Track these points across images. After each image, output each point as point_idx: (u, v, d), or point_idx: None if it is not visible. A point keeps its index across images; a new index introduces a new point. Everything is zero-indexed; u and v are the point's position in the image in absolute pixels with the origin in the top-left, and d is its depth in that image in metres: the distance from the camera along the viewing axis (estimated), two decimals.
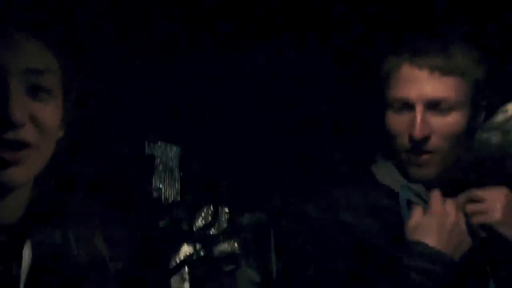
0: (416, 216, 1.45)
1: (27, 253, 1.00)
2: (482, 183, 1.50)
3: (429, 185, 1.53)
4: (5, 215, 1.01)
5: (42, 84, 1.00)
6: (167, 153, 2.69)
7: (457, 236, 1.39)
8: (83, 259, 1.06)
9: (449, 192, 1.51)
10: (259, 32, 2.38)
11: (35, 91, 1.00)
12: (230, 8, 2.31)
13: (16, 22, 0.99)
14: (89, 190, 1.15)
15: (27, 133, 0.97)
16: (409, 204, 1.54)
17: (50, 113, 1.02)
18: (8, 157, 0.95)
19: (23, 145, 0.97)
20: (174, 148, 2.70)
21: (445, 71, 1.49)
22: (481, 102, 1.56)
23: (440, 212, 1.41)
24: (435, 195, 1.46)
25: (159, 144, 2.68)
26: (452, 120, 1.49)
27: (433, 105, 1.50)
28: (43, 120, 1.00)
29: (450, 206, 1.45)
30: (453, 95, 1.51)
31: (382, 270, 1.46)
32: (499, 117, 1.49)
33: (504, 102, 1.53)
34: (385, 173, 1.59)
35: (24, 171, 0.98)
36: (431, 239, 1.38)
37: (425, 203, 1.50)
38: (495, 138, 1.47)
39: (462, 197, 1.48)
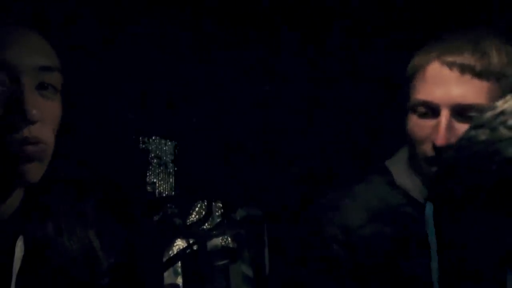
0: None
1: (19, 247, 1.01)
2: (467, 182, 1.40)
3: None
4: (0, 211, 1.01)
5: (51, 82, 1.01)
6: (161, 148, 2.70)
7: None
8: (75, 253, 1.06)
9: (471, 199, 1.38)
10: (259, 28, 2.37)
11: (44, 88, 1.01)
12: (232, 5, 2.29)
13: (26, 21, 1.00)
14: (83, 185, 1.15)
15: (40, 130, 0.99)
16: (435, 215, 1.39)
17: (56, 110, 1.03)
18: (25, 154, 0.96)
19: (37, 141, 0.98)
20: (169, 143, 2.70)
21: (478, 73, 1.31)
22: None
23: None
24: None
25: (153, 138, 2.68)
26: None
27: (461, 111, 1.32)
28: (51, 117, 1.01)
29: None
30: (485, 101, 1.30)
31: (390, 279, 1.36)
32: (488, 114, 1.35)
33: None
34: (404, 175, 1.42)
35: (39, 167, 0.99)
36: None
37: None
38: (482, 135, 1.35)
39: None
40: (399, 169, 1.45)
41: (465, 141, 1.33)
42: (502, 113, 1.32)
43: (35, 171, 0.99)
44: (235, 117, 2.52)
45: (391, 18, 2.21)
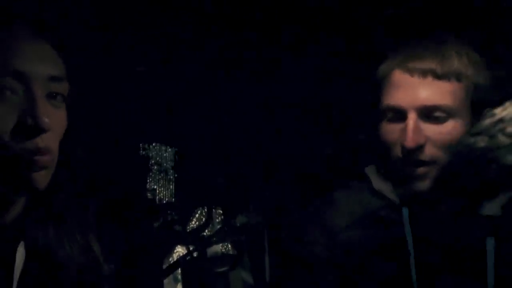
0: None
1: (20, 253, 1.01)
2: (465, 189, 1.42)
3: (425, 196, 1.43)
4: (2, 217, 1.02)
5: (59, 91, 1.02)
6: (161, 154, 2.70)
7: None
8: (77, 258, 1.07)
9: (444, 200, 1.42)
10: (259, 32, 2.38)
11: (53, 97, 1.02)
12: (233, 10, 2.30)
13: (36, 30, 1.01)
14: (84, 191, 1.15)
15: (50, 139, 1.00)
16: (411, 219, 1.43)
17: (64, 118, 1.04)
18: (36, 162, 0.97)
19: (48, 150, 0.99)
20: (169, 149, 2.71)
21: (438, 75, 1.38)
22: (482, 109, 1.46)
23: None
24: None
25: (153, 145, 2.69)
26: (448, 129, 1.38)
27: (427, 113, 1.38)
28: (59, 126, 1.02)
29: None
30: (449, 101, 1.38)
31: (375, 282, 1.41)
32: (486, 121, 1.37)
33: None
34: (382, 180, 1.50)
35: (47, 175, 1.00)
36: None
37: None
38: (481, 142, 1.37)
39: None
40: (377, 175, 1.49)
41: (464, 147, 1.34)
42: (501, 120, 1.34)
43: (43, 179, 1.00)
44: (235, 125, 2.52)
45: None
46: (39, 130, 0.96)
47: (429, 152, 1.37)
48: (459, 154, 1.34)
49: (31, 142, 0.97)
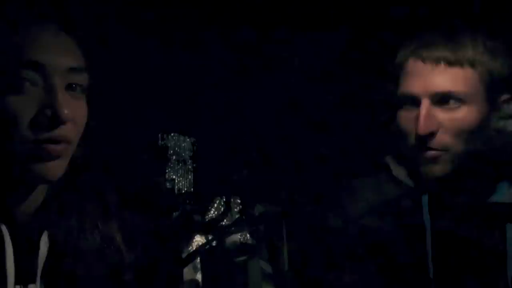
0: None
1: (44, 243, 1.03)
2: (498, 174, 1.42)
3: (440, 184, 1.44)
4: (24, 207, 1.03)
5: (79, 82, 1.03)
6: (180, 144, 2.71)
7: None
8: (99, 248, 1.08)
9: (463, 187, 1.42)
10: (271, 29, 2.38)
11: (72, 89, 1.03)
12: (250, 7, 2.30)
13: (55, 21, 1.02)
14: (104, 181, 1.16)
15: (68, 130, 1.01)
16: (430, 206, 1.44)
17: (84, 109, 1.05)
18: (50, 152, 0.98)
19: (63, 139, 1.00)
20: (187, 140, 2.72)
21: (451, 62, 1.39)
22: (498, 96, 1.43)
23: None
24: None
25: (172, 135, 2.70)
26: (461, 115, 1.38)
27: (440, 99, 1.39)
28: (79, 116, 1.03)
29: None
30: (462, 88, 1.39)
31: (396, 272, 1.42)
32: None
33: None
34: (401, 168, 1.52)
35: (63, 165, 1.01)
36: None
37: None
38: (510, 126, 1.37)
39: None
40: (396, 163, 1.50)
41: (494, 132, 1.35)
42: None
43: (57, 169, 1.01)
44: (253, 114, 2.53)
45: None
46: (58, 121, 0.98)
47: (442, 138, 1.39)
48: (490, 139, 1.34)
49: (50, 132, 0.97)
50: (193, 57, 2.44)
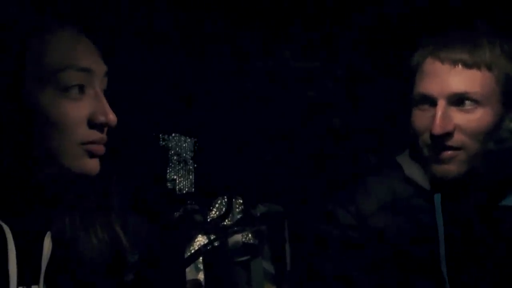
0: None
1: (47, 243, 1.03)
2: (508, 176, 1.42)
3: (453, 184, 1.44)
4: (28, 208, 1.03)
5: (105, 87, 1.09)
6: (181, 145, 2.71)
7: None
8: (103, 249, 1.08)
9: (476, 189, 1.42)
10: (274, 28, 2.38)
11: (104, 93, 1.10)
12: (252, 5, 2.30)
13: (84, 30, 1.07)
14: (106, 182, 1.16)
15: (108, 132, 1.08)
16: (443, 206, 1.44)
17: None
18: (98, 151, 1.06)
19: (105, 141, 1.08)
20: (188, 140, 2.72)
21: (468, 64, 1.40)
22: None
23: None
24: None
25: (173, 135, 2.69)
26: (477, 117, 1.39)
27: (457, 101, 1.40)
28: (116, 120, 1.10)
29: None
30: (479, 90, 1.39)
31: (409, 274, 1.41)
32: None
33: None
34: (414, 167, 1.49)
35: (99, 163, 1.08)
36: None
37: None
38: None
39: None
40: (409, 163, 1.51)
41: (507, 133, 1.36)
42: None
43: (99, 166, 1.07)
44: (254, 113, 2.52)
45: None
46: (109, 125, 1.06)
47: (457, 139, 1.40)
48: (503, 140, 1.36)
49: (101, 134, 1.06)
50: (194, 58, 2.44)
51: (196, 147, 2.69)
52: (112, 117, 1.05)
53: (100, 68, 1.07)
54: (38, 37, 1.01)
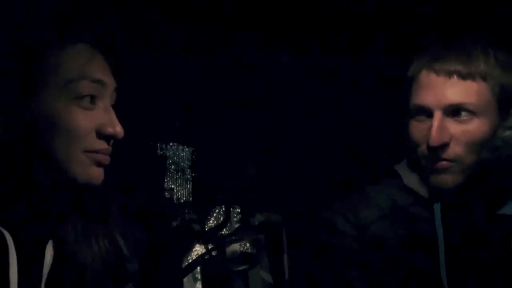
0: None
1: (49, 252, 1.03)
2: (504, 185, 1.43)
3: (451, 194, 1.44)
4: (30, 216, 1.04)
5: (114, 101, 1.12)
6: (178, 154, 2.71)
7: None
8: (104, 257, 1.09)
9: (474, 198, 1.43)
10: (276, 35, 2.39)
11: (113, 107, 1.12)
12: (250, 12, 2.31)
13: (95, 45, 1.09)
14: (107, 191, 1.17)
15: (114, 143, 1.11)
16: (443, 216, 1.45)
17: None
18: (105, 161, 1.09)
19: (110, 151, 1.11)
20: (186, 149, 2.71)
21: (463, 75, 1.41)
22: (510, 109, 1.45)
23: None
24: None
25: (170, 145, 2.69)
26: (473, 128, 1.40)
27: (453, 112, 1.42)
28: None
29: None
30: (474, 100, 1.41)
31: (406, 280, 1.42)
32: None
33: None
34: (412, 176, 1.50)
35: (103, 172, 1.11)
36: None
37: None
38: None
39: None
40: (407, 172, 1.52)
41: (500, 142, 1.37)
42: None
43: (102, 175, 1.10)
44: (252, 123, 2.53)
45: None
46: (116, 137, 1.09)
47: (453, 150, 1.41)
48: (496, 149, 1.36)
49: (108, 145, 1.09)
50: (192, 67, 2.44)
51: (194, 157, 2.68)
52: (119, 130, 1.08)
53: (111, 82, 1.10)
54: (58, 48, 1.05)
